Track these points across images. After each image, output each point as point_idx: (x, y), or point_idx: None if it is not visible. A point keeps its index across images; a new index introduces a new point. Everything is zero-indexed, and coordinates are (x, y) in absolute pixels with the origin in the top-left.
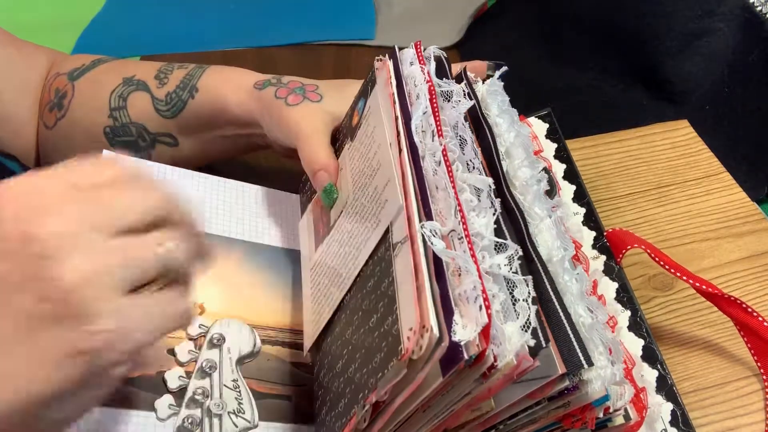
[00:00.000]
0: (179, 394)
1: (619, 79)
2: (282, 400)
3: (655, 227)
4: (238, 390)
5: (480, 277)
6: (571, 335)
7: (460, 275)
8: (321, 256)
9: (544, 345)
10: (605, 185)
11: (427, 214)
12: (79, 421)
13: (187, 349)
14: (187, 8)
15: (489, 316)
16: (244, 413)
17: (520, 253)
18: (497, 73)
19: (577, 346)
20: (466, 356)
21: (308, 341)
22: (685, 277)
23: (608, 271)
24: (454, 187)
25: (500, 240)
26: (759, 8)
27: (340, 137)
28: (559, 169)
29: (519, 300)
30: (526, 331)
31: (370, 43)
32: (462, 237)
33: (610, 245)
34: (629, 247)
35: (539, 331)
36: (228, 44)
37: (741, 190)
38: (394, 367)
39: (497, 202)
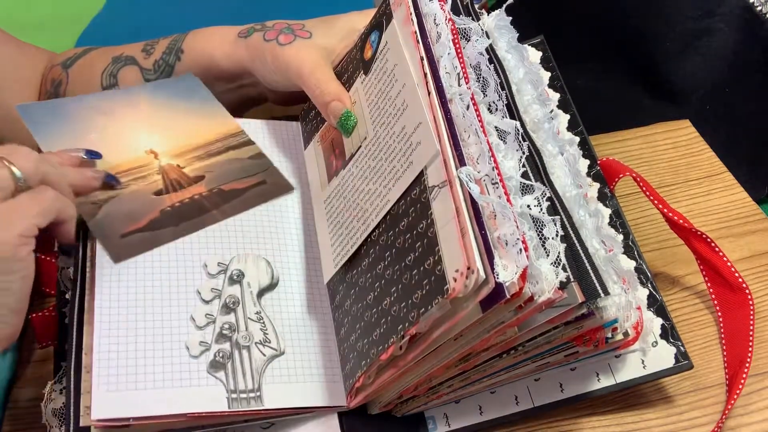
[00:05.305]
0: (207, 331)
1: (620, 79)
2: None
3: (657, 227)
4: (262, 321)
5: (516, 221)
6: (589, 267)
7: (495, 218)
8: (337, 189)
9: (572, 280)
10: None
11: (459, 158)
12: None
13: (210, 288)
14: (187, 7)
15: (528, 258)
16: (270, 342)
17: (548, 194)
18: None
19: (594, 278)
20: (507, 296)
21: (329, 272)
22: (661, 206)
23: (602, 197)
24: (484, 132)
25: (526, 181)
26: (759, 8)
27: (345, 68)
28: (553, 98)
29: (548, 238)
30: (557, 267)
31: None
32: (496, 182)
33: (603, 173)
34: (621, 175)
35: (567, 267)
36: None
37: (743, 190)
38: (439, 305)
39: (525, 145)
